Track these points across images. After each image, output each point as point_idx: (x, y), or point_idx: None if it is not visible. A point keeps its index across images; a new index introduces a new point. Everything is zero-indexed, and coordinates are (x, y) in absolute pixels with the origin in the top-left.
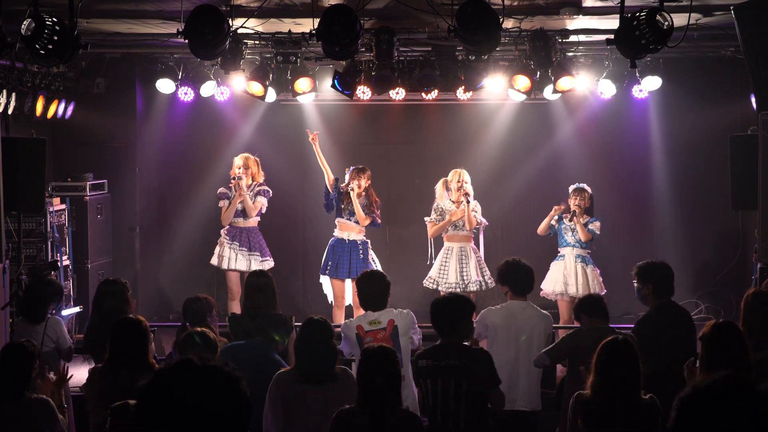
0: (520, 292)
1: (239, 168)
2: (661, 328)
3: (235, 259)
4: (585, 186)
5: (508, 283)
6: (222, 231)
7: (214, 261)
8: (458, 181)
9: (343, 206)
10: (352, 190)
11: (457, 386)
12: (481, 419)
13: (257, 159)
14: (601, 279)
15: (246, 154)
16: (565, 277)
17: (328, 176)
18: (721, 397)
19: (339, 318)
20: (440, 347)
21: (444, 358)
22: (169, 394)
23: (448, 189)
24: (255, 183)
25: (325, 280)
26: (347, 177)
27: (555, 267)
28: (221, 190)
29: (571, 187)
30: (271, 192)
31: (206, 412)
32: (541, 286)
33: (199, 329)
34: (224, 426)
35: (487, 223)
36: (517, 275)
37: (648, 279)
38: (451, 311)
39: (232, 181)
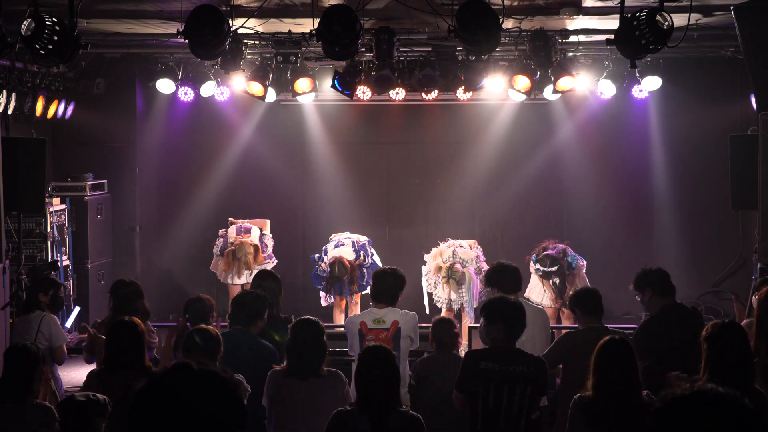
0: (508, 291)
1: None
2: (665, 330)
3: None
4: (555, 269)
5: (496, 285)
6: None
7: (212, 268)
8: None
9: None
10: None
11: (521, 393)
12: (535, 425)
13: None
14: (586, 277)
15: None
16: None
17: None
18: (699, 408)
19: (339, 319)
20: (504, 351)
21: (511, 364)
22: (164, 399)
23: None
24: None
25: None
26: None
27: (542, 282)
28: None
29: (541, 268)
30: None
31: (201, 417)
32: (527, 296)
33: (203, 326)
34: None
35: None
36: (503, 275)
37: (645, 284)
38: (517, 315)
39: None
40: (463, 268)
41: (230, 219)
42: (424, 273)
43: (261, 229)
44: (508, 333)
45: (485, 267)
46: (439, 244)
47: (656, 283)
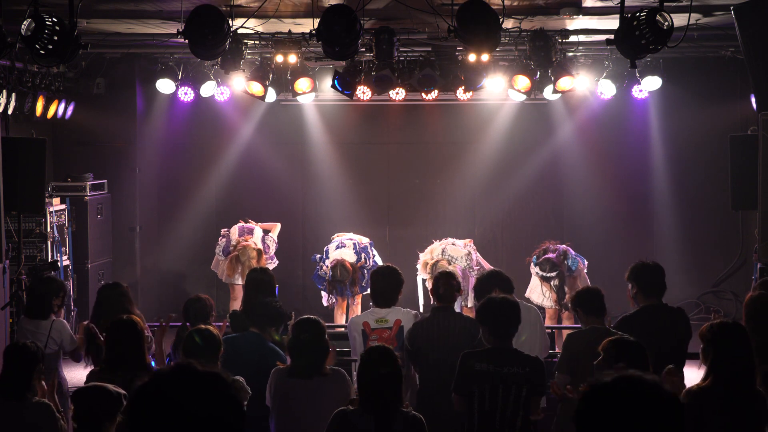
0: (505, 290)
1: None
2: (641, 330)
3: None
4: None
5: (497, 286)
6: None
7: (213, 267)
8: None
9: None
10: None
11: (517, 394)
12: (532, 426)
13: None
14: (587, 277)
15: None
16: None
17: None
18: (623, 395)
19: (340, 319)
20: (499, 352)
21: (506, 365)
22: (163, 398)
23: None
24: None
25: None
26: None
27: (542, 283)
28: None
29: (540, 273)
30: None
31: (199, 418)
32: (528, 296)
33: (203, 326)
34: None
35: (487, 268)
36: (499, 278)
37: (633, 279)
38: (513, 317)
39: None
40: (450, 264)
41: (248, 219)
42: (418, 271)
43: (269, 231)
44: (499, 333)
45: (483, 264)
46: (433, 242)
47: (642, 281)
